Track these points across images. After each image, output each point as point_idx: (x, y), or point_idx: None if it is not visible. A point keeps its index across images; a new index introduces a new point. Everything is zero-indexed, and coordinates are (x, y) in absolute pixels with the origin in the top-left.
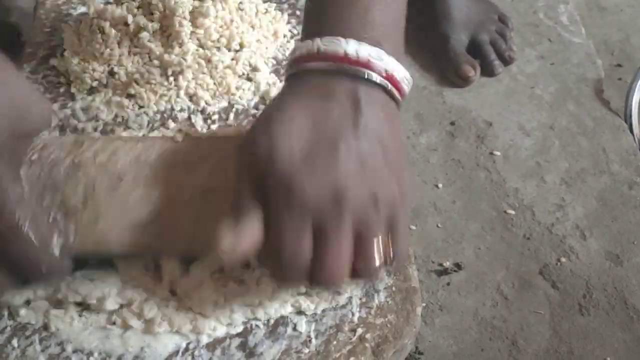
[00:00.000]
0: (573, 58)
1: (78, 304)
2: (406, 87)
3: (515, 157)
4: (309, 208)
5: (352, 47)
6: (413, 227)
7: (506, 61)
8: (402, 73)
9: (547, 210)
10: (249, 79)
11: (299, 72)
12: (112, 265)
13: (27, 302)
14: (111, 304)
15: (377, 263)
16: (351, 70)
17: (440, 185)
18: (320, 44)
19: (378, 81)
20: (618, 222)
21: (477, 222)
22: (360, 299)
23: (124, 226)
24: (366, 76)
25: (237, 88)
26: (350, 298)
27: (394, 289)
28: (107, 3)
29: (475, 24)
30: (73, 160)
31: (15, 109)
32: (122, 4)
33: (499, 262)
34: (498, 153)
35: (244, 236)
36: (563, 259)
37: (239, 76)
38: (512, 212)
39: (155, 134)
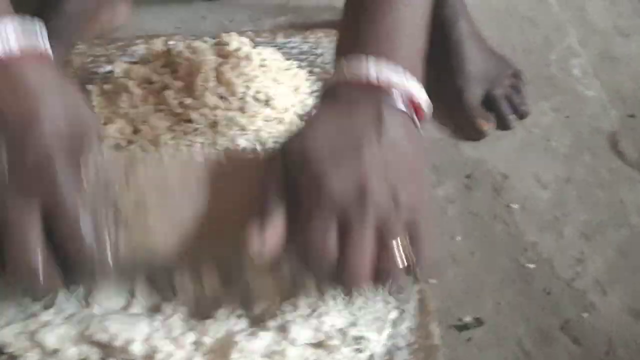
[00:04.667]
0: (587, 110)
1: None
2: (425, 109)
3: (532, 209)
4: (335, 204)
5: (373, 72)
6: (433, 281)
7: (520, 115)
8: (421, 96)
9: (566, 264)
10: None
11: (329, 90)
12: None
13: (55, 351)
14: (137, 348)
15: (399, 262)
16: (374, 93)
17: (458, 238)
18: (345, 66)
19: (398, 105)
20: (639, 275)
21: (497, 276)
22: (384, 357)
23: (172, 234)
24: (387, 100)
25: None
26: (371, 356)
27: (416, 346)
28: (133, 62)
29: (490, 79)
30: (126, 175)
31: (73, 115)
32: (147, 62)
33: (519, 316)
34: (515, 205)
35: (270, 238)
36: (584, 314)
37: (267, 121)
38: (531, 265)
39: None
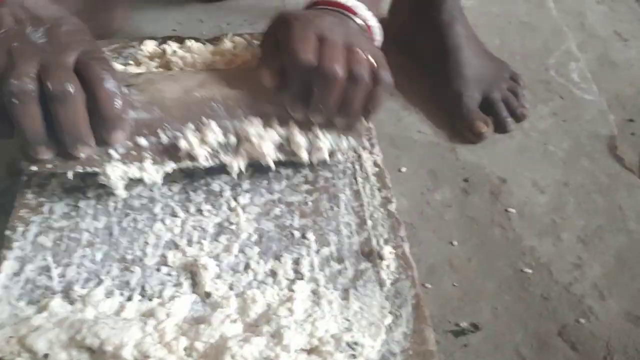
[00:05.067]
0: (585, 115)
1: None
2: (377, 35)
3: (530, 214)
4: (312, 25)
5: None
6: (429, 286)
7: (518, 118)
8: (374, 22)
9: (564, 269)
10: None
11: (307, 6)
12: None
13: (46, 356)
14: (127, 354)
15: (365, 63)
16: (341, 11)
17: (455, 243)
18: None
19: (358, 22)
20: (637, 281)
21: (494, 281)
22: None
23: (176, 87)
24: (350, 16)
25: None
26: None
27: (410, 352)
28: (127, 65)
29: (488, 82)
30: (137, 73)
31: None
32: (140, 64)
33: (517, 322)
34: (513, 210)
35: (275, 69)
36: (582, 320)
37: None
38: (528, 270)
39: None
